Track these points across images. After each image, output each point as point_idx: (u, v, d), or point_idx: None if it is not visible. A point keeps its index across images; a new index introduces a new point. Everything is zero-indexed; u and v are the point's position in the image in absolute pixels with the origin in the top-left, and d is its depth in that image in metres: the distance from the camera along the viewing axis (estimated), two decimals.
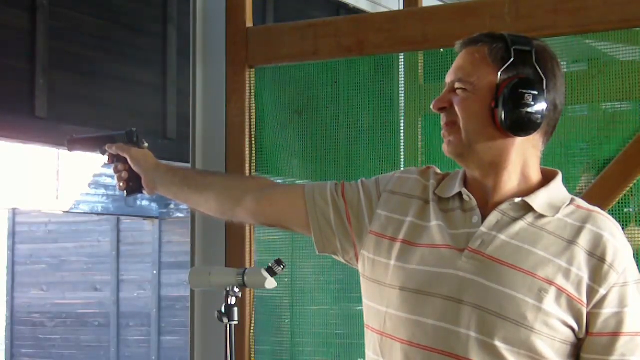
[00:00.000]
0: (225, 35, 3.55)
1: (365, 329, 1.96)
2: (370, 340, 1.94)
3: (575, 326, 1.81)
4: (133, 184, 2.37)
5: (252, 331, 3.47)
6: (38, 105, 4.00)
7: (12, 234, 12.28)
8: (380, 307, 1.91)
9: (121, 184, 2.41)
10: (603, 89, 3.01)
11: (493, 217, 1.86)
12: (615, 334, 1.80)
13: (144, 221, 11.84)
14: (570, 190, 1.96)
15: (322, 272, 3.51)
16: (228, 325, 2.39)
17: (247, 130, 3.50)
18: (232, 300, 2.39)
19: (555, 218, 1.85)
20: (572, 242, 1.83)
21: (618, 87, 3.00)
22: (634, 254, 1.90)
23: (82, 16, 4.29)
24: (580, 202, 1.91)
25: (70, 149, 2.52)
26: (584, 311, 1.80)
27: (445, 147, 1.90)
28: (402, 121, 3.38)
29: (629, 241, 1.90)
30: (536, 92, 1.83)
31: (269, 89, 3.51)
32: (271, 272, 2.41)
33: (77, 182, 11.34)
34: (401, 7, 3.83)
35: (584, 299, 1.80)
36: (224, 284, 2.40)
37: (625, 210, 2.98)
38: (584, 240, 1.83)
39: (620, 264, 1.81)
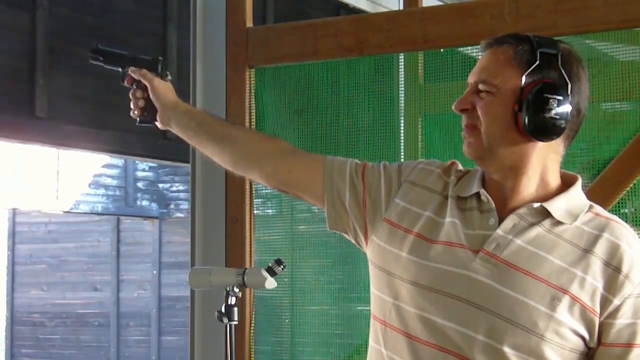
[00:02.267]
0: (225, 35, 3.55)
1: (371, 317, 1.95)
2: (374, 330, 1.93)
3: (587, 335, 1.79)
4: (148, 114, 2.30)
5: (252, 331, 3.47)
6: (38, 105, 4.00)
7: (12, 234, 12.28)
8: (387, 297, 1.89)
9: (136, 112, 2.32)
10: (603, 89, 3.01)
11: (510, 221, 1.84)
12: (629, 345, 1.78)
13: (144, 221, 11.84)
14: None
15: (322, 272, 3.51)
16: (228, 325, 2.39)
17: None
18: (232, 300, 2.39)
19: (572, 225, 1.83)
20: (588, 250, 1.80)
21: (618, 87, 3.00)
22: None
23: (82, 16, 4.29)
24: (599, 209, 1.89)
25: (92, 58, 2.43)
26: (597, 321, 1.78)
27: (465, 149, 1.88)
28: (402, 121, 3.38)
29: None
30: (561, 98, 1.81)
31: (269, 89, 3.51)
32: (271, 272, 2.41)
33: (77, 182, 11.34)
34: (401, 7, 3.83)
35: (597, 309, 1.78)
36: (224, 284, 2.40)
37: (622, 210, 2.98)
38: (600, 249, 1.80)
39: (636, 275, 1.79)
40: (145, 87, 2.31)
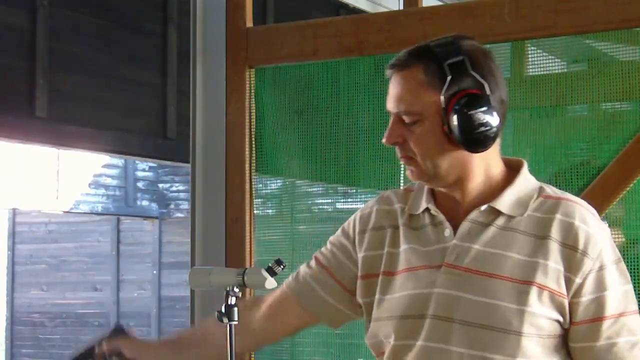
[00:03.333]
0: (225, 35, 3.55)
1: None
2: None
3: (561, 318, 1.81)
4: None
5: None
6: (38, 105, 4.00)
7: (12, 234, 12.27)
8: (379, 339, 1.92)
9: None
10: (603, 89, 3.01)
11: (464, 228, 1.86)
12: (598, 319, 1.81)
13: (144, 221, 11.84)
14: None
15: None
16: (228, 325, 2.39)
17: (247, 130, 3.50)
18: (232, 300, 2.38)
19: (525, 216, 1.85)
20: (544, 237, 1.82)
21: (618, 87, 3.00)
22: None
23: (82, 16, 4.29)
24: (548, 190, 1.89)
25: None
26: (566, 303, 1.81)
27: (409, 175, 1.89)
28: None
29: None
30: (485, 107, 1.80)
31: (269, 89, 3.51)
32: (271, 272, 2.40)
33: (77, 182, 11.34)
34: (401, 7, 3.83)
35: (564, 291, 1.80)
36: (224, 284, 2.40)
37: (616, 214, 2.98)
38: (555, 231, 1.82)
39: (593, 249, 1.81)
40: (118, 352, 2.18)
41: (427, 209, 1.91)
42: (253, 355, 3.48)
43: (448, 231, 1.87)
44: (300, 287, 2.07)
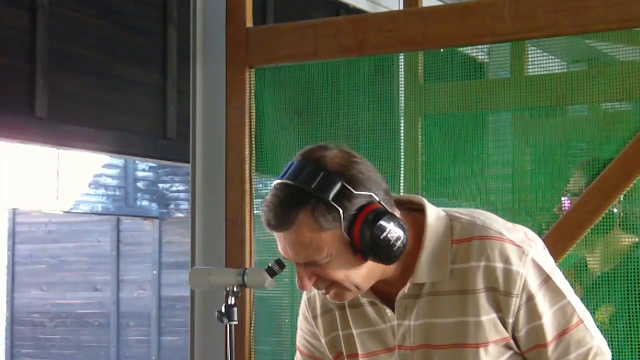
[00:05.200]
0: (225, 35, 3.55)
1: None
2: None
3: (515, 352, 1.83)
4: None
5: (252, 331, 3.47)
6: (38, 105, 3.99)
7: (12, 234, 12.27)
8: None
9: None
10: (603, 89, 3.01)
11: (399, 307, 1.85)
12: (541, 346, 1.81)
13: (144, 221, 11.84)
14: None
15: None
16: (228, 325, 2.39)
17: (247, 130, 3.50)
18: (232, 300, 2.38)
19: (447, 277, 1.81)
20: (469, 291, 1.80)
21: (618, 87, 3.00)
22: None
23: (82, 16, 4.29)
24: (457, 231, 1.82)
25: None
26: (512, 341, 1.81)
27: (335, 299, 1.84)
28: (402, 121, 3.38)
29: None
30: (386, 219, 1.73)
31: (269, 89, 3.51)
32: (271, 272, 2.40)
33: (77, 182, 11.34)
34: (401, 7, 3.83)
35: (506, 334, 1.80)
36: (224, 284, 2.40)
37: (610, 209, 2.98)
38: (476, 281, 1.79)
39: (515, 286, 1.78)
40: None
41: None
42: (253, 355, 3.48)
43: (389, 311, 1.86)
44: None
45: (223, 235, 3.53)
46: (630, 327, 2.90)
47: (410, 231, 1.80)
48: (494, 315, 1.79)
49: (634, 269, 2.90)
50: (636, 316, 2.90)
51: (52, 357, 11.93)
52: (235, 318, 2.34)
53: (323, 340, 1.97)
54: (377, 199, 1.75)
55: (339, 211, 1.72)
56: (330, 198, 1.71)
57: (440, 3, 4.55)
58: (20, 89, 3.96)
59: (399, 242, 1.75)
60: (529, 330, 1.80)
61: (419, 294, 1.84)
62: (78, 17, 4.27)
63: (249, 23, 3.54)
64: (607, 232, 2.95)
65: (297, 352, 2.07)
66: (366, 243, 1.73)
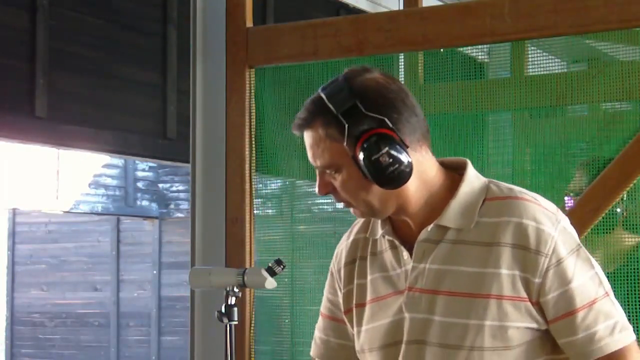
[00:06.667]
0: (225, 36, 3.56)
1: None
2: None
3: (533, 324, 1.81)
4: None
5: (252, 331, 3.47)
6: (38, 105, 4.00)
7: (12, 234, 12.27)
8: None
9: None
10: (603, 89, 3.02)
11: (418, 250, 1.86)
12: (571, 313, 1.80)
13: (144, 221, 11.84)
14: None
15: (322, 272, 3.50)
16: (228, 325, 2.39)
17: (247, 130, 3.50)
18: (232, 300, 2.39)
19: (473, 225, 1.83)
20: (493, 243, 1.81)
21: (618, 87, 3.00)
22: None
23: (82, 16, 4.29)
24: (495, 189, 1.87)
25: None
26: (530, 306, 1.80)
27: (355, 214, 1.91)
28: None
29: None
30: (388, 146, 1.79)
31: (269, 89, 3.51)
32: (271, 272, 2.41)
33: (77, 182, 11.34)
34: (401, 7, 3.83)
35: (524, 295, 1.79)
36: (224, 284, 2.40)
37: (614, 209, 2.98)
38: (504, 235, 1.81)
39: (545, 246, 1.79)
40: None
41: (383, 234, 1.92)
42: (253, 355, 3.48)
43: (406, 254, 1.88)
44: (319, 349, 2.07)
45: (223, 235, 3.53)
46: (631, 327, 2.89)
47: (443, 185, 1.87)
48: (516, 272, 1.79)
49: (636, 269, 2.90)
50: (636, 316, 2.90)
51: (52, 357, 11.92)
52: (235, 318, 2.34)
53: (340, 295, 1.99)
54: (390, 125, 1.79)
55: (344, 126, 1.79)
56: (340, 112, 1.80)
57: (440, 3, 4.55)
58: (20, 89, 3.96)
59: (400, 168, 1.79)
60: (558, 296, 1.79)
61: (440, 240, 1.85)
62: (78, 17, 4.27)
63: (249, 23, 3.55)
64: (609, 232, 2.95)
65: (320, 317, 2.07)
66: (363, 162, 1.79)
